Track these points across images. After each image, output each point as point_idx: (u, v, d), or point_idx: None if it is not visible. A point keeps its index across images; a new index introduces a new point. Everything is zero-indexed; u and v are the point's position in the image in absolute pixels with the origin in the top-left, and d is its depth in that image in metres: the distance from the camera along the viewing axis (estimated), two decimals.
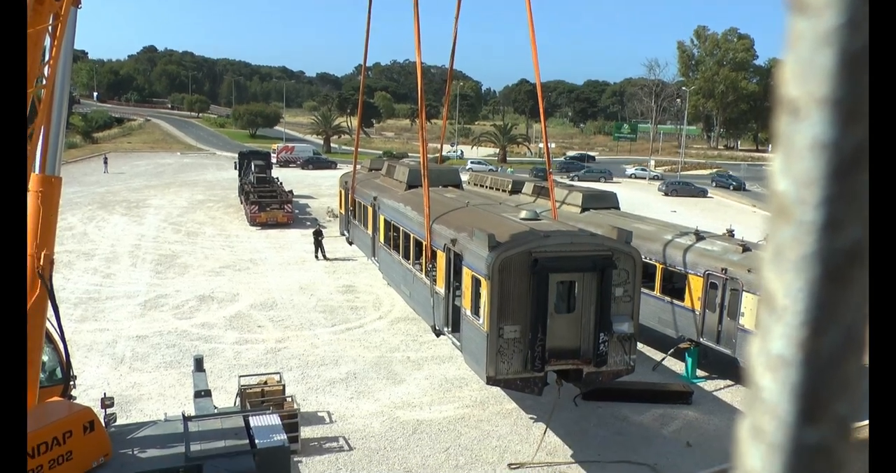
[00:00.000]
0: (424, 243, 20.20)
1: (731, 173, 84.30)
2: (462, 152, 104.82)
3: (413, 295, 22.42)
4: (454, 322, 18.35)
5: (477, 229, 16.61)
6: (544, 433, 17.55)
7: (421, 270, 21.22)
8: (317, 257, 36.67)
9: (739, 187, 78.85)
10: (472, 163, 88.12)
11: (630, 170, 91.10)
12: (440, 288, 19.13)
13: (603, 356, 16.04)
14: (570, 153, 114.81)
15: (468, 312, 16.75)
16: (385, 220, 25.81)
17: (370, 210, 28.14)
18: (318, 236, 36.83)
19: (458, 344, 17.88)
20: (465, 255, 17.10)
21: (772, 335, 0.49)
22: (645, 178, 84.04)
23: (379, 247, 27.06)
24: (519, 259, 15.47)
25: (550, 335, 15.63)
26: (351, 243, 33.65)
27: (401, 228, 23.61)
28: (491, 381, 15.84)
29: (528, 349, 15.52)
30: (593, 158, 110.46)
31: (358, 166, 32.17)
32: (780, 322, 0.48)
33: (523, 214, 18.62)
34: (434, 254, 19.71)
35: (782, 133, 0.55)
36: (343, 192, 34.64)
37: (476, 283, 16.25)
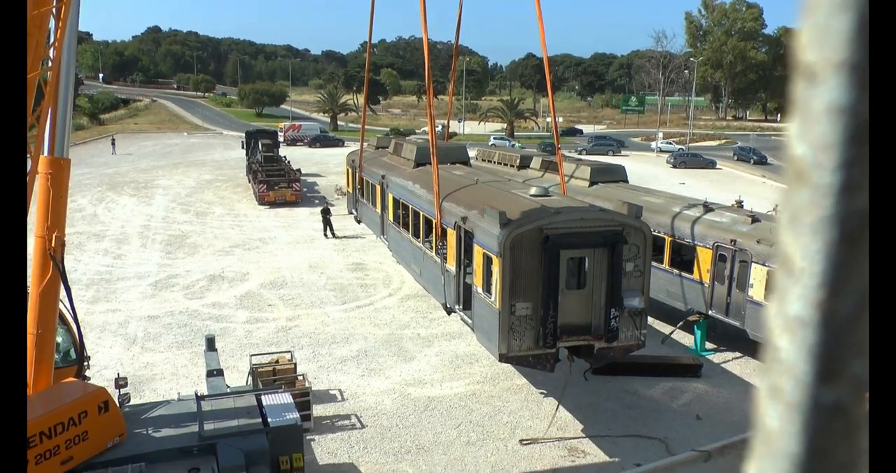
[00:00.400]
0: (434, 221, 20.19)
1: (752, 147, 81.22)
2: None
3: (423, 273, 22.43)
4: (465, 299, 18.38)
5: (488, 206, 16.58)
6: (556, 409, 17.61)
7: (431, 248, 21.23)
8: (325, 235, 36.74)
9: (761, 161, 74.86)
10: (494, 138, 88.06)
11: (656, 143, 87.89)
12: (451, 266, 19.14)
13: (614, 331, 16.05)
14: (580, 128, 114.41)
15: (480, 290, 16.76)
16: (394, 199, 25.77)
17: (378, 188, 28.09)
18: (326, 214, 36.89)
19: (469, 321, 17.92)
20: (475, 233, 17.09)
21: (789, 297, 0.49)
22: (672, 152, 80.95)
23: (388, 226, 27.04)
24: (530, 236, 15.45)
25: (562, 311, 15.63)
26: (359, 221, 33.66)
27: (410, 206, 23.57)
28: (503, 358, 15.88)
29: (540, 325, 15.54)
30: (581, 132, 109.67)
31: (365, 144, 32.08)
32: (797, 284, 0.49)
33: (533, 191, 18.55)
34: (444, 232, 19.70)
35: (799, 98, 0.54)
36: (350, 171, 34.57)
37: (487, 261, 16.25)
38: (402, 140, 31.06)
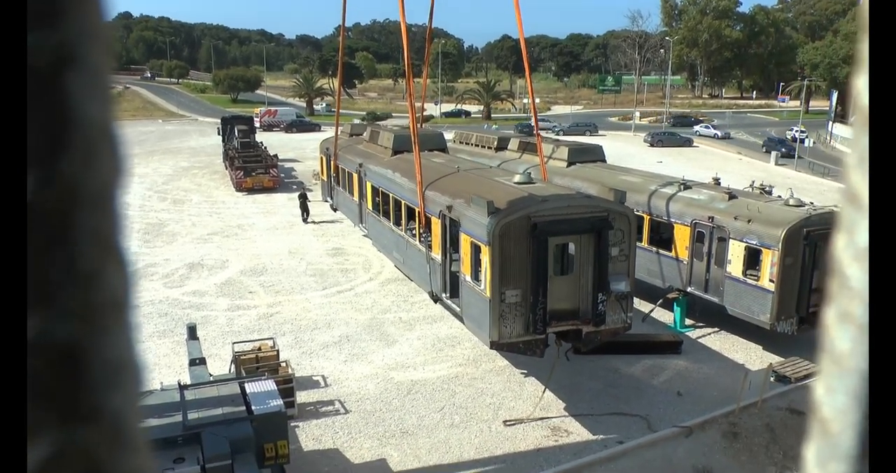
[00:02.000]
0: (418, 210, 20.21)
1: (777, 137, 78.54)
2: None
3: (406, 261, 22.45)
4: (452, 287, 18.48)
5: (475, 195, 16.66)
6: (543, 392, 17.70)
7: (414, 236, 21.23)
8: (304, 220, 36.63)
9: (790, 154, 69.49)
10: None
11: (699, 128, 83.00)
12: (436, 254, 19.19)
13: (601, 315, 16.30)
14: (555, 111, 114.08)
15: (468, 278, 16.86)
16: (372, 187, 25.70)
17: (355, 177, 27.99)
18: (303, 199, 36.75)
19: (457, 309, 18.02)
20: (462, 222, 17.17)
21: (858, 229, 0.52)
22: (713, 137, 77.65)
23: (367, 214, 27.00)
24: (518, 224, 15.59)
25: (550, 297, 15.81)
26: (335, 209, 33.59)
27: (390, 195, 23.53)
28: (494, 345, 16.05)
29: (530, 312, 15.71)
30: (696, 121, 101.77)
31: (340, 128, 31.92)
32: (866, 217, 0.52)
33: (517, 178, 18.64)
34: (428, 221, 19.72)
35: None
36: (324, 158, 34.38)
37: (475, 249, 16.35)
38: (378, 127, 30.87)
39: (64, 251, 0.49)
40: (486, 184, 18.82)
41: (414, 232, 21.38)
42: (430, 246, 19.68)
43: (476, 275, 16.44)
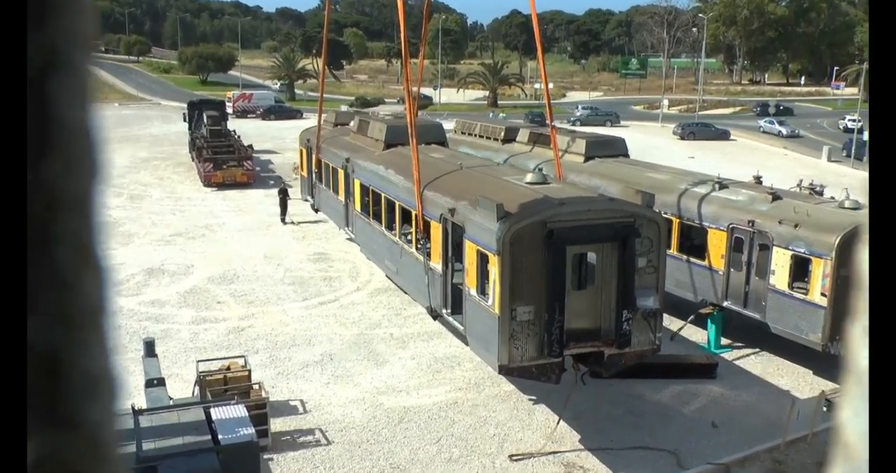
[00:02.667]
0: (415, 213, 20.21)
1: (779, 107, 76.89)
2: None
3: (401, 271, 22.42)
4: (454, 302, 18.48)
5: (481, 197, 16.67)
6: (556, 423, 17.60)
7: (410, 243, 21.22)
8: (283, 220, 36.59)
9: (792, 135, 71.29)
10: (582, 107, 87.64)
11: (763, 122, 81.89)
12: (436, 264, 19.21)
13: (626, 336, 16.24)
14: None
15: (473, 292, 16.88)
16: (361, 185, 25.70)
17: (341, 173, 27.96)
18: (283, 195, 36.68)
19: (460, 328, 18.01)
20: (467, 227, 17.21)
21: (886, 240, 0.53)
22: (777, 135, 75.34)
23: (354, 216, 26.98)
24: (532, 230, 15.60)
25: (568, 315, 15.78)
26: (317, 210, 33.55)
27: (382, 194, 23.55)
28: (503, 370, 16.03)
29: (544, 332, 15.65)
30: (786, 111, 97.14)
31: (324, 116, 31.88)
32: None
33: (530, 178, 18.66)
34: (427, 226, 19.71)
35: None
36: (305, 151, 34.31)
37: (482, 259, 16.36)
38: (367, 117, 30.83)
39: (45, 258, 0.53)
40: (494, 183, 18.84)
41: (410, 237, 21.34)
42: (428, 255, 19.68)
43: (483, 289, 16.43)
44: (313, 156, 32.01)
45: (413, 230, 20.83)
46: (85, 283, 0.56)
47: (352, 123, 31.17)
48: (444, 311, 19.00)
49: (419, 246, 20.27)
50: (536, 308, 15.62)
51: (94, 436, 0.54)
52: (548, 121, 25.34)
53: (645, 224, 16.28)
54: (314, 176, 32.41)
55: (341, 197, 28.39)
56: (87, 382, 0.55)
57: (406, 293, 23.62)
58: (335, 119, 34.33)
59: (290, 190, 38.07)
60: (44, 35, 0.50)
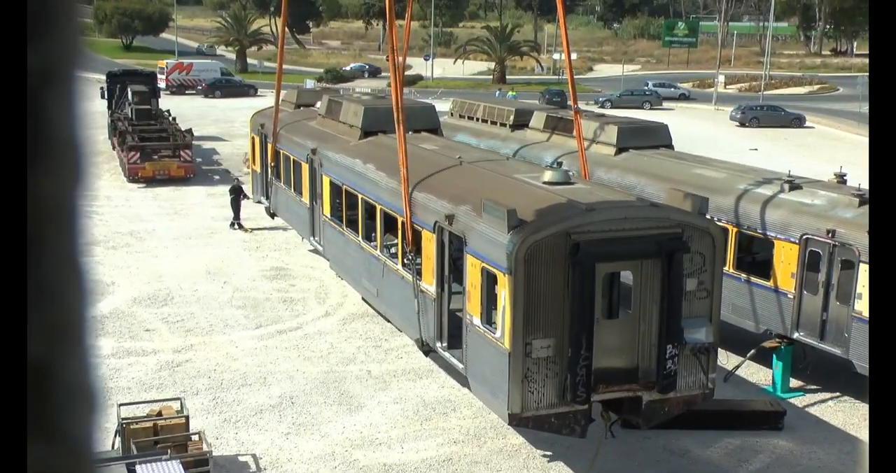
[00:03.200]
0: (402, 220, 20.33)
1: None
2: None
3: (383, 294, 22.45)
4: (451, 334, 18.56)
5: (488, 201, 16.70)
6: None
7: (395, 258, 21.27)
8: (232, 226, 36.56)
9: None
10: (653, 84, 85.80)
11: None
12: (428, 285, 19.26)
13: (671, 377, 16.17)
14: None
15: (476, 321, 16.91)
16: (332, 184, 25.74)
17: (305, 168, 28.00)
18: (236, 194, 36.58)
19: (459, 365, 18.07)
20: (469, 238, 17.26)
21: None
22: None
23: (322, 223, 26.97)
24: (552, 243, 15.60)
25: (597, 350, 15.66)
26: (273, 215, 33.50)
27: (359, 196, 23.60)
28: (515, 420, 15.94)
29: (567, 371, 15.53)
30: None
31: (283, 94, 31.94)
32: None
33: (548, 176, 18.70)
34: (417, 236, 19.81)
35: None
36: (258, 140, 34.29)
37: (489, 279, 16.43)
38: (339, 97, 30.84)
39: (33, 270, 0.60)
40: (503, 183, 18.94)
41: (394, 251, 21.39)
42: (419, 273, 19.72)
43: (489, 317, 16.48)
44: (268, 146, 32.02)
45: (399, 242, 20.89)
46: (69, 295, 0.64)
47: (318, 104, 31.24)
48: (438, 345, 19.04)
49: (407, 262, 20.35)
50: (557, 341, 15.58)
51: (75, 448, 0.63)
52: (570, 103, 25.43)
53: (696, 236, 16.29)
54: (270, 171, 32.43)
55: (305, 198, 28.41)
56: (70, 394, 0.63)
57: (389, 321, 23.67)
58: (297, 99, 34.34)
59: (244, 187, 38.08)
60: (39, 50, 0.59)
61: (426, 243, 19.39)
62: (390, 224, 21.68)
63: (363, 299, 26.04)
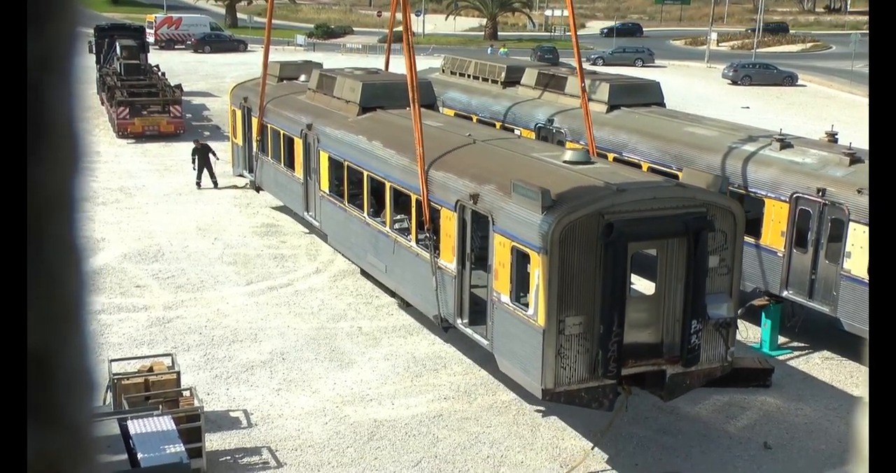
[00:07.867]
0: (416, 198, 20.44)
1: None
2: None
3: (394, 270, 22.39)
4: (472, 310, 18.77)
5: (518, 181, 16.88)
6: (583, 458, 17.70)
7: (406, 234, 21.37)
8: (198, 184, 36.16)
9: None
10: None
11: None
12: (448, 262, 19.35)
13: (695, 351, 16.56)
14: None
15: (506, 299, 17.13)
16: (331, 160, 25.50)
17: (298, 143, 27.67)
18: (201, 154, 36.27)
19: (484, 341, 18.29)
20: (496, 218, 17.44)
21: None
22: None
23: (320, 199, 26.68)
24: (586, 223, 15.87)
25: (627, 326, 16.07)
26: (259, 190, 33.05)
27: (365, 172, 23.44)
28: (548, 394, 16.23)
29: (599, 347, 15.90)
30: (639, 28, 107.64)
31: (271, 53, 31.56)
32: None
33: (569, 155, 18.94)
34: (435, 215, 19.87)
35: None
36: (241, 113, 33.68)
37: (521, 258, 16.66)
38: (329, 71, 30.17)
39: (35, 256, 0.61)
40: (524, 162, 19.14)
41: (405, 226, 21.42)
42: (437, 251, 19.82)
43: (520, 296, 16.74)
44: (254, 120, 31.59)
45: (413, 220, 20.97)
46: (68, 282, 0.65)
47: (302, 78, 30.86)
48: (458, 321, 19.23)
49: (424, 239, 20.44)
50: (587, 318, 15.94)
51: (76, 434, 0.65)
52: (574, 66, 25.25)
53: (719, 215, 16.67)
54: (256, 145, 31.90)
55: (299, 173, 28.13)
56: (70, 380, 0.65)
57: (396, 297, 23.58)
58: (279, 72, 33.60)
59: (211, 146, 37.35)
60: (39, 41, 0.60)
61: (445, 221, 19.52)
62: (401, 201, 21.74)
63: (362, 274, 25.86)
